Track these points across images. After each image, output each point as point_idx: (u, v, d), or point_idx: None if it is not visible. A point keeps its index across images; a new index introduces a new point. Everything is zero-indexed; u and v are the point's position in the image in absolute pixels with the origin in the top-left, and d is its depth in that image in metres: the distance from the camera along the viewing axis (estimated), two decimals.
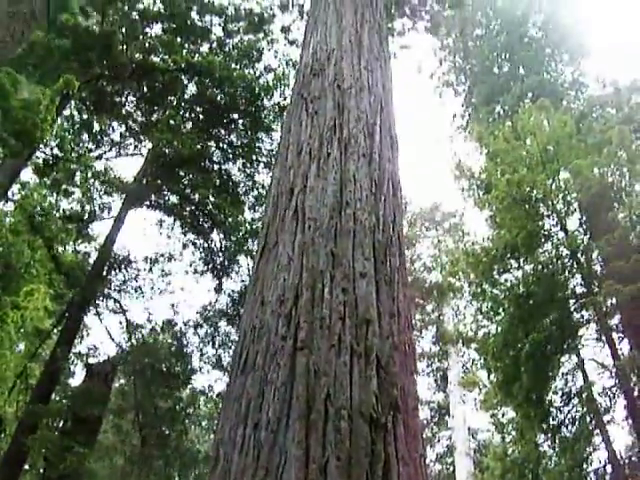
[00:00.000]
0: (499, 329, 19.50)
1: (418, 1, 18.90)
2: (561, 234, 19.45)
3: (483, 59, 32.16)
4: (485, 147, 22.11)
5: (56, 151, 20.62)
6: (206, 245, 23.85)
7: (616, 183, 18.64)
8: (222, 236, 23.34)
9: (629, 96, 20.41)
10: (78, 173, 21.54)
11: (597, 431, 17.39)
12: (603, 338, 18.13)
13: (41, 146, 19.06)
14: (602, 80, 25.24)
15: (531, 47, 30.29)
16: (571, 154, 18.49)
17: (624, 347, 17.95)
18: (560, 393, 18.99)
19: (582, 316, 18.89)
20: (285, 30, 22.19)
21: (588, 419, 17.95)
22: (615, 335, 18.02)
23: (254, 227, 21.74)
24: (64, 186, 21.11)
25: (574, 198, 19.46)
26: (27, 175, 21.39)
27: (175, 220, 24.22)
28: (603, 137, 18.62)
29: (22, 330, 20.28)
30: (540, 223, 19.37)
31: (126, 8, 20.78)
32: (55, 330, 21.37)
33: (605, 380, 18.36)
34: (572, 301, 18.78)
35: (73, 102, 21.24)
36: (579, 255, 18.71)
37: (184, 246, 24.36)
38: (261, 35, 22.72)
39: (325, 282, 4.14)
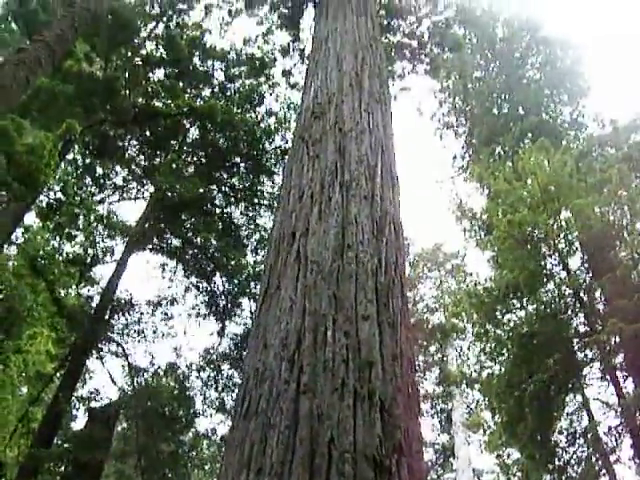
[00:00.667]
0: (503, 369, 19.41)
1: (417, 44, 19.10)
2: (563, 273, 19.46)
3: (483, 100, 32.38)
4: (486, 188, 22.24)
5: (59, 195, 20.74)
6: (209, 288, 23.85)
7: (617, 222, 18.67)
8: (224, 279, 23.35)
9: (628, 135, 20.53)
10: (81, 217, 21.62)
11: (604, 471, 17.22)
12: (607, 377, 18.03)
13: (44, 190, 19.15)
14: (601, 120, 25.47)
15: (530, 88, 30.53)
16: (572, 194, 18.55)
17: (629, 386, 17.82)
18: (565, 433, 18.85)
19: (586, 355, 18.81)
20: (286, 74, 22.38)
21: (594, 459, 17.77)
22: (619, 374, 17.92)
23: (256, 270, 21.77)
24: (67, 230, 21.18)
25: (575, 237, 19.50)
26: (30, 219, 21.48)
27: (177, 263, 24.26)
28: (603, 176, 18.70)
29: (24, 374, 20.24)
30: (542, 263, 19.37)
31: (129, 54, 21.00)
32: (57, 374, 21.30)
33: (610, 419, 18.20)
34: (575, 340, 18.71)
35: (76, 146, 21.40)
36: (582, 294, 18.69)
37: (186, 289, 24.37)
38: (262, 79, 22.94)
39: (328, 325, 4.14)
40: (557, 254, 19.37)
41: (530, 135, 27.34)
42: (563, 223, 19.41)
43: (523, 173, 20.31)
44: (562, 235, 19.48)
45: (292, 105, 22.70)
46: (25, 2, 16.74)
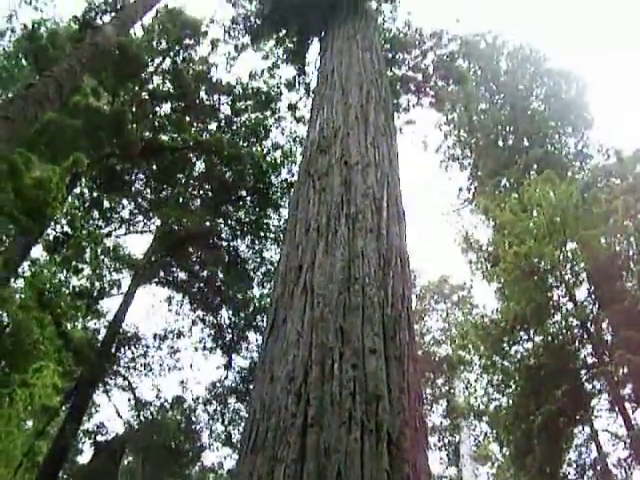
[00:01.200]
0: (510, 401, 19.31)
1: (422, 77, 19.21)
2: (570, 305, 19.41)
3: (488, 133, 32.48)
4: (492, 220, 22.24)
5: (66, 228, 20.79)
6: (215, 321, 23.84)
7: (623, 252, 18.66)
8: (231, 312, 23.35)
9: (633, 165, 20.58)
10: (88, 250, 21.66)
11: None
12: (616, 408, 17.90)
13: (52, 223, 19.22)
14: (605, 150, 25.54)
15: (535, 120, 30.63)
16: (577, 225, 18.57)
17: (638, 417, 17.71)
18: (574, 465, 18.70)
19: (594, 386, 18.71)
20: (292, 108, 22.49)
21: None
22: (628, 405, 17.79)
23: (263, 303, 21.75)
24: (74, 263, 21.21)
25: (582, 268, 19.47)
26: (38, 252, 21.53)
27: (184, 296, 24.27)
28: (609, 207, 18.72)
29: (30, 408, 20.15)
30: (549, 294, 19.35)
31: (136, 88, 21.15)
32: (63, 407, 21.23)
33: (620, 451, 18.08)
34: (583, 371, 18.63)
35: (83, 180, 21.48)
36: (589, 325, 18.63)
37: (193, 322, 24.36)
38: (268, 113, 23.05)
39: (335, 358, 4.14)
40: (564, 285, 19.35)
41: (535, 166, 27.39)
42: (569, 254, 19.40)
43: (529, 205, 20.35)
44: (568, 266, 19.46)
45: (298, 138, 22.82)
46: (35, 39, 16.94)
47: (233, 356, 23.33)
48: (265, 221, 22.70)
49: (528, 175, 25.74)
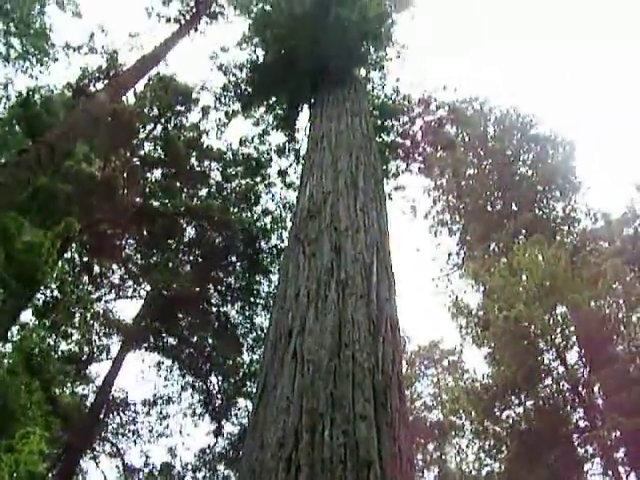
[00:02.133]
0: (503, 467, 19.13)
1: (411, 143, 19.44)
2: (561, 368, 19.39)
3: (476, 198, 32.76)
4: (482, 284, 22.30)
5: (56, 293, 20.73)
6: (204, 387, 23.64)
7: (613, 315, 18.72)
8: (221, 378, 23.19)
9: (620, 228, 20.78)
10: (77, 315, 21.60)
11: None
12: (609, 472, 17.77)
13: (42, 288, 19.18)
14: (593, 214, 25.79)
15: (522, 185, 30.95)
16: (567, 288, 18.64)
17: None
18: None
19: (586, 450, 18.58)
20: (282, 174, 22.62)
21: None
22: (621, 469, 17.67)
23: (253, 369, 21.62)
24: (63, 327, 21.13)
25: (572, 332, 19.49)
26: (27, 316, 21.43)
27: (173, 362, 24.11)
28: (597, 270, 18.83)
29: (15, 474, 19.84)
30: (539, 358, 19.33)
31: (128, 154, 21.34)
32: (50, 474, 20.88)
33: None
34: (576, 435, 18.52)
35: (74, 245, 21.51)
36: (580, 389, 18.58)
37: (182, 388, 24.16)
38: (259, 179, 23.19)
39: (325, 424, 4.14)
40: (554, 349, 19.36)
41: (524, 231, 27.61)
42: (559, 318, 19.45)
43: (518, 269, 20.44)
44: (559, 330, 19.49)
45: (288, 204, 22.93)
46: (29, 106, 17.13)
47: (222, 422, 23.09)
48: (255, 287, 22.69)
49: (517, 239, 25.93)
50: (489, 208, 32.45)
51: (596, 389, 18.84)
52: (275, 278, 21.17)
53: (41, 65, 25.75)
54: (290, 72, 16.51)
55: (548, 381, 19.38)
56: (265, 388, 5.04)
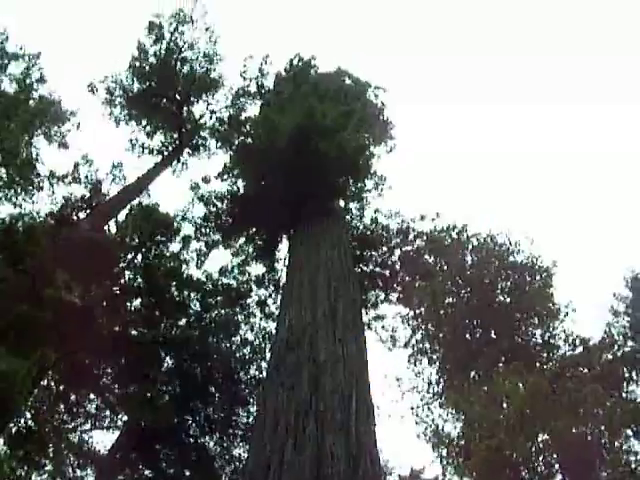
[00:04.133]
0: None
1: (389, 274, 19.70)
2: None
3: (455, 326, 32.81)
4: (462, 413, 22.14)
5: (30, 422, 20.35)
6: None
7: (595, 441, 18.57)
8: None
9: (599, 354, 20.86)
10: (51, 445, 21.12)
11: None
12: None
13: (15, 416, 18.85)
14: (572, 340, 25.91)
15: (500, 313, 31.11)
16: (548, 415, 18.54)
17: None
18: None
19: None
20: (262, 304, 22.78)
21: None
22: None
23: None
24: (36, 458, 20.63)
25: (555, 459, 19.27)
26: None
27: None
28: (578, 396, 18.78)
29: None
30: None
31: (108, 282, 21.40)
32: None
33: None
34: None
35: (51, 372, 21.27)
36: None
37: None
38: (238, 309, 23.27)
39: None
40: (537, 477, 19.08)
41: (503, 358, 27.60)
42: (541, 445, 19.25)
43: (499, 397, 20.35)
44: (541, 457, 19.26)
45: (267, 335, 22.92)
46: (10, 234, 17.28)
47: None
48: (234, 418, 22.40)
49: (497, 367, 25.88)
50: (468, 336, 32.48)
51: None
52: (254, 409, 20.96)
53: (25, 193, 26.08)
54: (270, 203, 16.86)
55: None
56: None
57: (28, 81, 27.95)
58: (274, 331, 9.96)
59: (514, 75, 64.32)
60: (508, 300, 32.26)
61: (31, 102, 27.99)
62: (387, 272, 19.89)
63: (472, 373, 30.03)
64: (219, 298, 23.19)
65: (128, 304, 22.40)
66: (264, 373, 17.60)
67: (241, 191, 19.78)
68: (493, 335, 30.88)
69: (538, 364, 25.81)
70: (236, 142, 21.61)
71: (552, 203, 59.56)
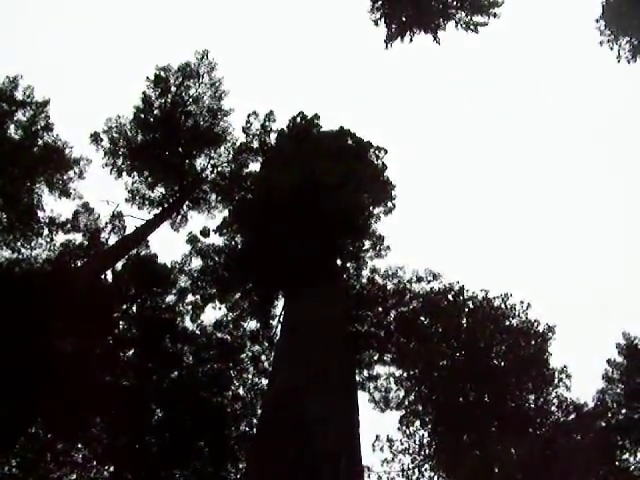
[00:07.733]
0: None
1: (384, 334, 19.68)
2: None
3: (449, 389, 32.64)
4: (454, 476, 21.96)
5: (15, 471, 20.15)
6: None
7: None
8: None
9: (592, 421, 20.75)
10: None
11: None
12: None
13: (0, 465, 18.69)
14: (565, 406, 25.78)
15: (495, 376, 30.97)
16: None
17: None
18: None
19: None
20: (255, 359, 22.68)
21: None
22: None
23: None
24: None
25: None
26: None
27: None
28: (570, 463, 18.65)
29: None
30: None
31: (102, 332, 21.35)
32: None
33: None
34: None
35: (39, 420, 21.10)
36: None
37: None
38: (231, 363, 23.16)
39: None
40: None
41: (496, 423, 27.43)
42: None
43: (490, 462, 20.21)
44: None
45: (259, 391, 22.78)
46: (7, 280, 17.31)
47: None
48: (223, 474, 22.15)
49: (490, 431, 25.69)
50: (461, 399, 32.29)
51: None
52: (243, 466, 20.73)
53: (24, 239, 26.16)
54: (267, 260, 16.91)
55: None
56: None
57: (34, 128, 28.21)
58: (266, 388, 9.93)
59: (516, 139, 65.13)
60: (502, 364, 32.18)
61: (35, 149, 28.22)
62: (382, 332, 19.87)
63: (464, 437, 29.81)
64: (212, 352, 23.12)
65: (121, 354, 22.32)
66: (255, 430, 17.48)
67: (239, 246, 19.86)
68: (487, 399, 30.72)
69: (531, 429, 25.63)
70: (236, 197, 21.76)
71: (550, 266, 59.75)
